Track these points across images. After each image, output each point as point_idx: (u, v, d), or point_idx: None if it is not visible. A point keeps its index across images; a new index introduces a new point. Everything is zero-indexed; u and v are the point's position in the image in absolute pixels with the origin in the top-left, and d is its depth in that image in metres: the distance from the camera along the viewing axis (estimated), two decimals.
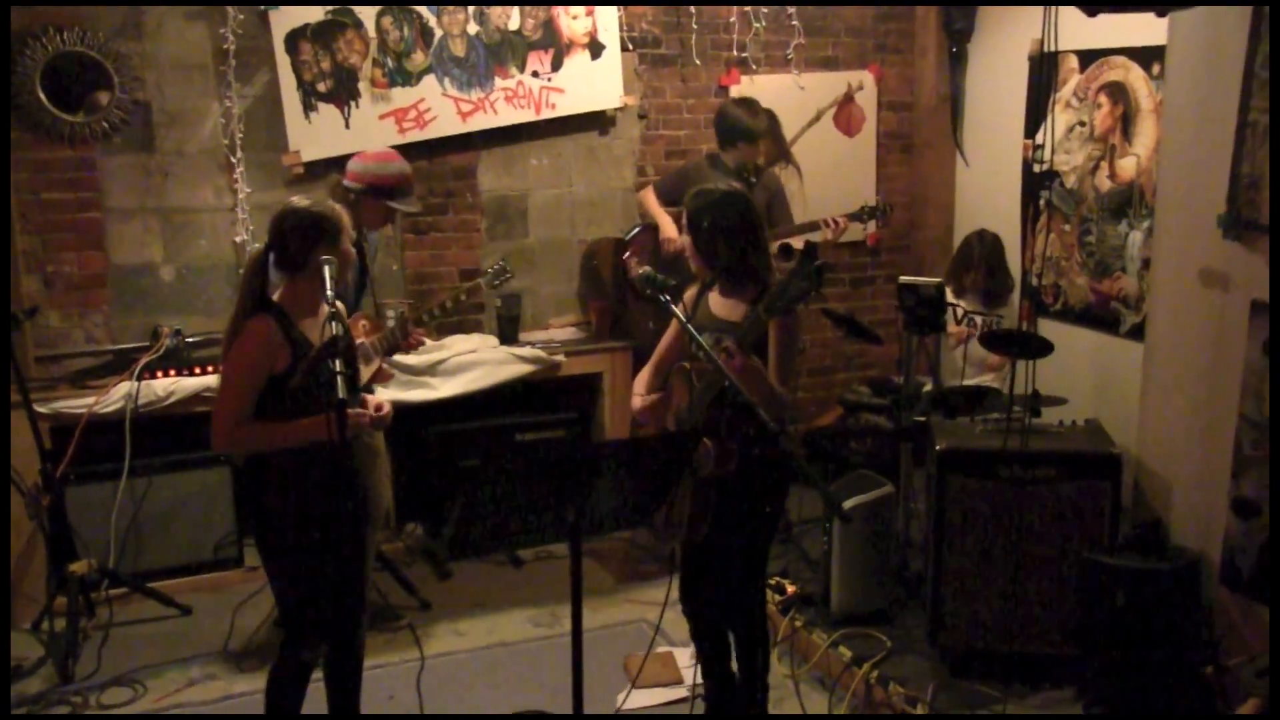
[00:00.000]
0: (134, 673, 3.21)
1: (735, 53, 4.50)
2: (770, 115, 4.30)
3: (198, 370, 3.68)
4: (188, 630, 3.51)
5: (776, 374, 2.44)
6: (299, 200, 2.42)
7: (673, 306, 2.36)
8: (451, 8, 4.04)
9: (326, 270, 2.28)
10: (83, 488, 3.59)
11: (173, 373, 3.66)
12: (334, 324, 2.17)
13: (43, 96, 3.60)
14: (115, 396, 3.55)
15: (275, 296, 2.37)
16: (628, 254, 4.16)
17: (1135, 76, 3.87)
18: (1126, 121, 3.93)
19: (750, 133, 3.87)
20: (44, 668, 3.23)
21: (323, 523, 2.35)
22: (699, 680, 2.85)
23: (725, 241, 2.48)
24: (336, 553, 2.41)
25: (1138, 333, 3.81)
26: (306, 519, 2.35)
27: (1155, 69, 3.73)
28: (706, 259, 2.54)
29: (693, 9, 4.38)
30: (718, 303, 2.58)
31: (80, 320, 3.81)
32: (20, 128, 3.63)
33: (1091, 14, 2.59)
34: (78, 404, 3.52)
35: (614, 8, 4.24)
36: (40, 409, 3.46)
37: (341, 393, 2.06)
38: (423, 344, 3.10)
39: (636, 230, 4.24)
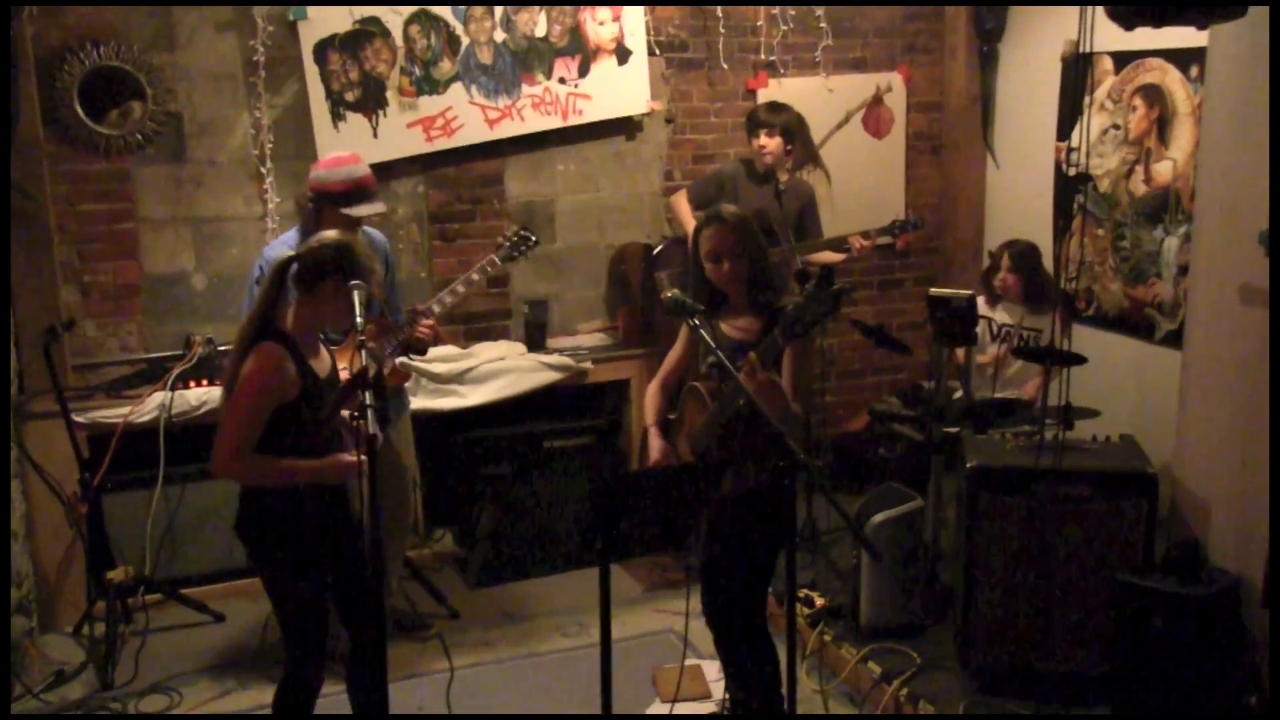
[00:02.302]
0: (170, 680, 3.27)
1: (763, 56, 4.46)
2: (799, 118, 4.25)
3: None
4: (221, 637, 3.56)
5: (791, 394, 2.45)
6: (327, 234, 2.45)
7: (702, 332, 2.34)
8: (479, 13, 4.03)
9: (356, 295, 2.28)
10: (118, 495, 3.65)
11: (205, 382, 3.70)
12: (364, 354, 2.17)
13: (79, 110, 3.64)
14: (150, 406, 3.61)
15: (285, 325, 2.34)
16: (658, 270, 4.11)
17: (1172, 79, 3.79)
18: (1163, 125, 3.84)
19: (756, 120, 3.85)
20: (85, 672, 3.30)
21: (319, 552, 2.36)
22: (727, 695, 2.85)
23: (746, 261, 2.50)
24: (336, 579, 2.43)
25: (1173, 340, 3.75)
26: (302, 549, 2.35)
27: (1193, 71, 3.64)
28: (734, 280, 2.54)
29: (719, 12, 4.34)
30: (727, 324, 2.58)
31: (115, 329, 3.87)
32: (57, 141, 3.67)
33: (1128, 28, 2.52)
34: (113, 413, 3.58)
35: (641, 13, 4.21)
36: (78, 419, 3.52)
37: (372, 428, 2.05)
38: (432, 336, 3.02)
39: (664, 244, 4.21)
